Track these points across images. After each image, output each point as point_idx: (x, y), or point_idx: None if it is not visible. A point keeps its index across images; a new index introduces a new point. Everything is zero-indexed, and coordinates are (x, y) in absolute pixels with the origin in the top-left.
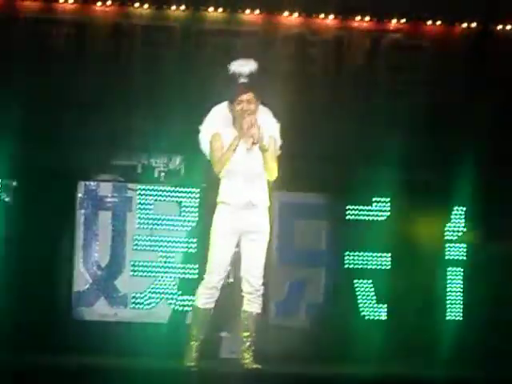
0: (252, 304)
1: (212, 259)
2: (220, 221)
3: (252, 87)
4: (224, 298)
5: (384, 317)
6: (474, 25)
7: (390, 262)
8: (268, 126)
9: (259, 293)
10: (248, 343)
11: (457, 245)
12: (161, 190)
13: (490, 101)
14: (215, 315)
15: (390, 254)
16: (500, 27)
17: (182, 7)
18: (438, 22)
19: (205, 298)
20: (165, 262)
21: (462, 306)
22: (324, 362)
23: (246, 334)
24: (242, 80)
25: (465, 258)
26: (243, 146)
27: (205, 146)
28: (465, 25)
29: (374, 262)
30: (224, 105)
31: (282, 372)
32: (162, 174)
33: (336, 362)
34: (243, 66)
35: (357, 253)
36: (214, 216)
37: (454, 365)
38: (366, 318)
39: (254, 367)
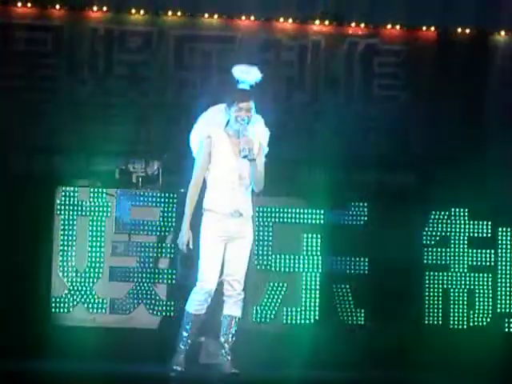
0: (233, 308)
1: (203, 266)
2: (208, 229)
3: (252, 95)
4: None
5: (362, 322)
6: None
7: (367, 267)
8: (259, 134)
9: (241, 297)
10: (228, 348)
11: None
12: (139, 195)
13: (464, 102)
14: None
15: (367, 259)
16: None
17: (159, 12)
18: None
19: (197, 303)
20: (143, 267)
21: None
22: (303, 366)
23: (225, 338)
24: (244, 86)
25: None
26: (231, 155)
27: (194, 144)
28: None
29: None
30: (221, 107)
31: (260, 377)
32: (140, 178)
33: (315, 367)
34: (248, 74)
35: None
36: (201, 224)
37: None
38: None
39: (233, 372)
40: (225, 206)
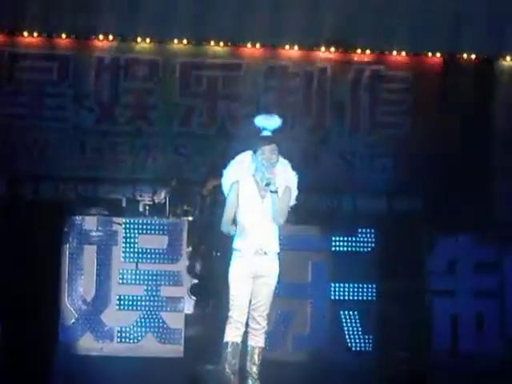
0: (257, 339)
1: (233, 300)
2: (235, 267)
3: (275, 140)
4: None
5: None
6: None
7: (375, 293)
8: (286, 176)
9: (264, 330)
10: (256, 376)
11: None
12: (146, 223)
13: (469, 127)
14: (200, 348)
15: (374, 285)
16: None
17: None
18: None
19: (232, 333)
20: (151, 296)
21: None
22: None
23: (253, 368)
24: (266, 133)
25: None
26: (258, 198)
27: (225, 187)
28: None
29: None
30: (247, 154)
31: None
32: (147, 207)
33: None
34: (268, 120)
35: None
36: (231, 262)
37: None
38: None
39: None
40: (249, 245)
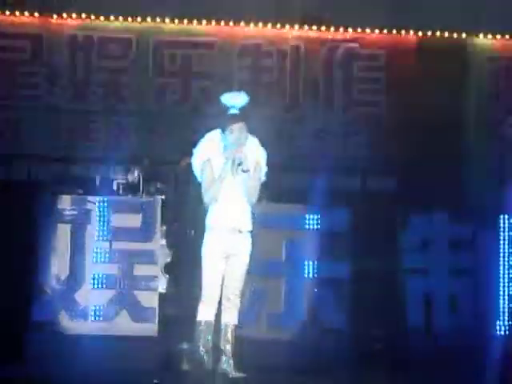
0: (230, 316)
1: (205, 279)
2: (209, 245)
3: (243, 117)
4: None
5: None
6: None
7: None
8: (255, 154)
9: (237, 307)
10: (230, 354)
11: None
12: (120, 202)
13: (443, 105)
14: (174, 326)
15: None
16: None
17: (139, 19)
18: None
19: (205, 311)
20: (125, 274)
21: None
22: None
23: (227, 345)
24: (234, 111)
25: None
26: (229, 176)
27: (196, 170)
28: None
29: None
30: (216, 133)
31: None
32: (121, 185)
33: (298, 372)
34: (235, 99)
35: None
36: (204, 240)
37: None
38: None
39: (240, 376)
40: (223, 222)
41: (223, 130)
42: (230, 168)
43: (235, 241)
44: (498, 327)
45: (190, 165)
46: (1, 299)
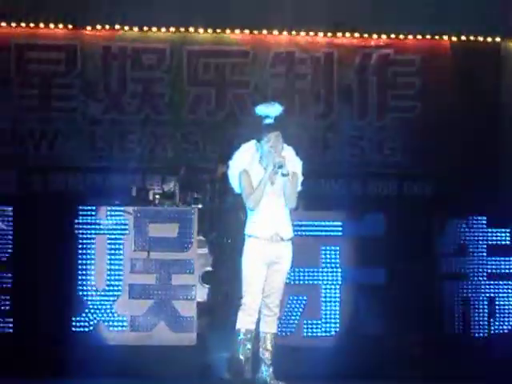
0: (270, 325)
1: (247, 287)
2: (250, 253)
3: (278, 127)
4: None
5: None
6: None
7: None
8: (292, 162)
9: (277, 316)
10: (269, 362)
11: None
12: (156, 212)
13: (479, 111)
14: (213, 336)
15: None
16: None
17: (172, 29)
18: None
19: (245, 320)
20: (162, 284)
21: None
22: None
23: (266, 353)
24: (269, 121)
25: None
26: (267, 184)
27: (233, 181)
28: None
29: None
30: (252, 143)
31: None
32: (157, 195)
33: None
34: (270, 108)
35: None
36: (244, 248)
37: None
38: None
39: None
40: (265, 230)
41: (259, 140)
42: (269, 173)
43: (277, 249)
44: None
45: (224, 174)
46: (41, 313)
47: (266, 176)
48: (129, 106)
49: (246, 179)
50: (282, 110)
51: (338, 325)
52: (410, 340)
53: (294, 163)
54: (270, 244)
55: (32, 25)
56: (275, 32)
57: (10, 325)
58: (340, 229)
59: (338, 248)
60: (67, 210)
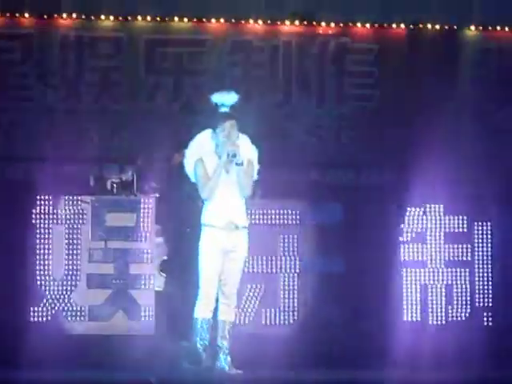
0: (227, 314)
1: (203, 276)
2: (206, 242)
3: (233, 115)
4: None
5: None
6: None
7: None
8: (247, 151)
9: (234, 304)
10: (227, 351)
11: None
12: (114, 201)
13: (436, 98)
14: (171, 325)
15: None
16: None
17: (141, 17)
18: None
19: (202, 309)
20: (120, 274)
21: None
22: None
23: (224, 342)
24: (224, 109)
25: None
26: (222, 173)
27: (189, 170)
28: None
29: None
30: (207, 132)
31: (261, 377)
32: (115, 185)
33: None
34: (226, 97)
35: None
36: (201, 237)
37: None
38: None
39: (237, 372)
40: (220, 219)
41: (214, 129)
42: (224, 163)
43: (232, 237)
44: None
45: (181, 163)
46: (1, 300)
47: (221, 165)
48: (86, 95)
49: (201, 168)
50: (237, 98)
51: (296, 313)
52: (368, 328)
53: (249, 151)
54: (225, 232)
55: None
56: (232, 20)
57: None
58: (298, 217)
59: (295, 236)
60: (25, 200)
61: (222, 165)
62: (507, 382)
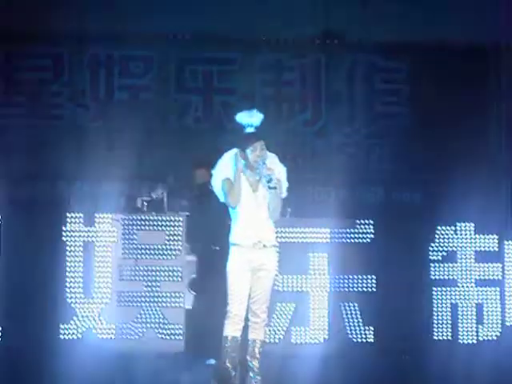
0: (257, 332)
1: (232, 294)
2: (234, 261)
3: (261, 135)
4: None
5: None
6: None
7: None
8: (276, 170)
9: (264, 323)
10: (257, 370)
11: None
12: (144, 220)
13: (467, 116)
14: (201, 343)
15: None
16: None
17: (172, 35)
18: None
19: (231, 327)
20: (151, 291)
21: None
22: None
23: (254, 361)
24: (251, 130)
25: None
26: (250, 193)
27: (217, 189)
28: None
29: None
30: (234, 151)
31: None
32: (145, 203)
33: None
34: (251, 117)
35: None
36: (229, 257)
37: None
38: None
39: None
40: (247, 238)
41: (244, 150)
42: (249, 184)
43: (260, 256)
44: None
45: (206, 181)
46: (28, 320)
47: (239, 172)
48: (116, 114)
49: (227, 185)
50: (262, 118)
51: (326, 332)
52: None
53: (278, 170)
54: (253, 251)
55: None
56: (262, 38)
57: None
58: (328, 236)
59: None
60: (56, 218)
61: (240, 173)
62: None
